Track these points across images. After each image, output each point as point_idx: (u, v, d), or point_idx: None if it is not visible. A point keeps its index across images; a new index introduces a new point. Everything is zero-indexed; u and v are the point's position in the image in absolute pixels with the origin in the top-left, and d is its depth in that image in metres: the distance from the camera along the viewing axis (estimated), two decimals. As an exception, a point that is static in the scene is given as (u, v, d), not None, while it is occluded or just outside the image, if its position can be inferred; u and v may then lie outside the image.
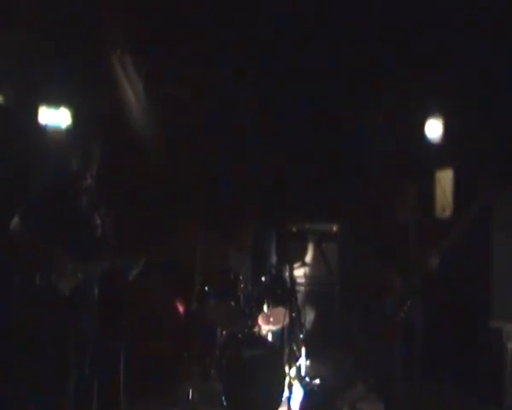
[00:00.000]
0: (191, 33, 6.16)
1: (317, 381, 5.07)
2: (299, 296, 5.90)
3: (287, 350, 5.31)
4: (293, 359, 5.24)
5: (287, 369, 5.05)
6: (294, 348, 5.31)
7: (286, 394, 4.81)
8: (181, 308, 5.79)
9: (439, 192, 6.39)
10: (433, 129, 6.33)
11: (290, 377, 4.99)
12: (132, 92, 6.41)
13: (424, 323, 4.70)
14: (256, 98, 6.55)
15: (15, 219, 4.06)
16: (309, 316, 6.44)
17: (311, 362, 5.37)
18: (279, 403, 4.88)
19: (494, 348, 5.40)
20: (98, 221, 4.22)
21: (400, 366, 4.59)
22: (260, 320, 5.28)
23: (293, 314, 5.04)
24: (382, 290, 4.67)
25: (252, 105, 6.55)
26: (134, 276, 4.27)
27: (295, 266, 5.49)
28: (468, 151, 5.71)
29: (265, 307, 5.29)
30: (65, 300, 4.01)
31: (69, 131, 6.07)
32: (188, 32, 6.15)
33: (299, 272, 5.90)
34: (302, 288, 6.21)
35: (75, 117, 6.11)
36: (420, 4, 5.62)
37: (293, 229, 6.38)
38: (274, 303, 5.31)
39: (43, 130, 6.04)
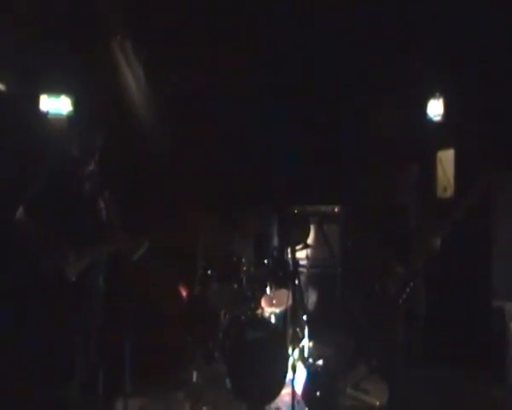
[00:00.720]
0: (193, 21, 6.16)
1: (320, 362, 5.09)
2: (302, 278, 5.92)
3: (290, 332, 5.36)
4: (297, 340, 5.28)
5: (290, 351, 5.10)
6: (297, 329, 5.35)
7: (289, 375, 4.84)
8: (184, 292, 5.80)
9: (440, 172, 6.39)
10: (435, 109, 6.32)
11: (293, 359, 5.04)
12: (133, 78, 6.40)
13: (426, 303, 4.73)
14: (255, 86, 6.53)
15: (20, 210, 4.09)
16: (311, 298, 6.47)
17: (314, 344, 5.39)
18: (282, 385, 4.90)
19: (496, 328, 5.42)
20: (102, 205, 4.24)
21: (402, 347, 4.62)
22: (263, 302, 5.30)
23: (296, 296, 5.09)
24: (384, 275, 4.69)
25: (251, 92, 6.53)
26: (137, 257, 4.28)
27: (297, 248, 5.48)
28: (469, 131, 5.70)
29: (268, 290, 5.31)
30: (71, 286, 4.05)
31: (70, 117, 6.07)
32: (190, 21, 6.15)
33: (302, 254, 5.88)
34: (304, 270, 6.22)
35: (76, 104, 6.11)
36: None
37: (295, 211, 6.38)
38: (277, 285, 5.34)
39: (44, 117, 6.05)
